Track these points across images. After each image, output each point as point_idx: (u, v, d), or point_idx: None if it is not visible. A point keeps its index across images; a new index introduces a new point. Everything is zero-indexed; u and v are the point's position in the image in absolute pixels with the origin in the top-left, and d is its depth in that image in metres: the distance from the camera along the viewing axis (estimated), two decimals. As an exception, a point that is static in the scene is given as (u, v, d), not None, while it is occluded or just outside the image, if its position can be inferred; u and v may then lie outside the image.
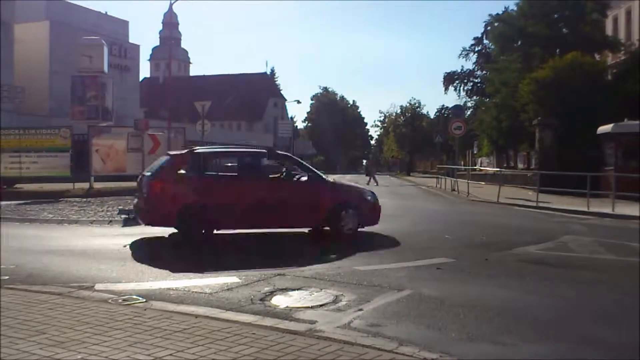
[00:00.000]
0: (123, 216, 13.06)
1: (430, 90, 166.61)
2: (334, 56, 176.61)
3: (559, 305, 6.50)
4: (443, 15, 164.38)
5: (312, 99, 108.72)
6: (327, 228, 11.26)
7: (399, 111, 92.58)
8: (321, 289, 6.80)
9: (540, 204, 18.98)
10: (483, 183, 28.20)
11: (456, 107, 39.72)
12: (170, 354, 4.29)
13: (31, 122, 31.55)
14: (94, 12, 51.98)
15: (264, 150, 11.86)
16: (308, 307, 6.08)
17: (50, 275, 7.59)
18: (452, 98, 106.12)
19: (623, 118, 24.45)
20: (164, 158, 11.41)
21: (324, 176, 11.89)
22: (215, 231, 10.74)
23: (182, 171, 10.78)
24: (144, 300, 6.09)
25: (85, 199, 20.33)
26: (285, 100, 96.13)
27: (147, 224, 10.91)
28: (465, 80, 58.01)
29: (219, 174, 11.29)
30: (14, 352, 4.30)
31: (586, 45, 31.45)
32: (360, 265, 8.31)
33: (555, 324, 5.67)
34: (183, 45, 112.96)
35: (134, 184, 13.07)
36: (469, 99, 56.63)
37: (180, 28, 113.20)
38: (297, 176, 11.71)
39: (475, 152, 52.93)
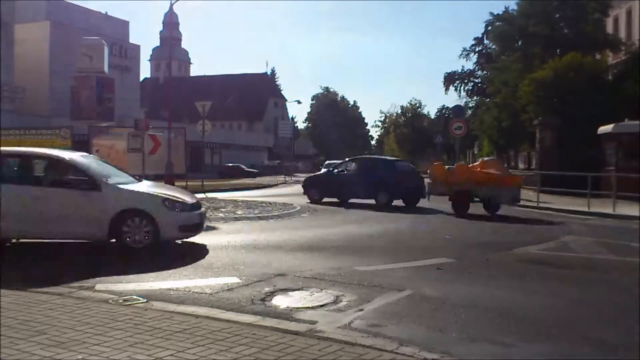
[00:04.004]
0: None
1: (431, 90, 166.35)
2: (334, 56, 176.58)
3: (559, 306, 6.51)
4: (443, 16, 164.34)
5: (312, 99, 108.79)
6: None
7: (399, 111, 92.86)
8: (322, 289, 6.80)
9: (541, 204, 18.98)
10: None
11: (457, 107, 39.69)
12: (171, 355, 4.29)
13: (31, 122, 31.51)
14: (94, 13, 51.95)
15: None
16: (309, 308, 6.08)
17: (50, 276, 7.58)
18: (452, 98, 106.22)
19: (623, 118, 24.44)
20: None
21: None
22: None
23: None
24: (145, 300, 6.09)
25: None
26: (286, 100, 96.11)
27: None
28: (466, 81, 58.00)
29: None
30: (15, 352, 4.30)
31: (587, 45, 31.42)
32: (361, 266, 8.31)
33: (555, 324, 5.67)
34: (183, 45, 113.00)
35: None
36: (470, 99, 56.69)
37: (181, 28, 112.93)
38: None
39: (475, 152, 52.91)
